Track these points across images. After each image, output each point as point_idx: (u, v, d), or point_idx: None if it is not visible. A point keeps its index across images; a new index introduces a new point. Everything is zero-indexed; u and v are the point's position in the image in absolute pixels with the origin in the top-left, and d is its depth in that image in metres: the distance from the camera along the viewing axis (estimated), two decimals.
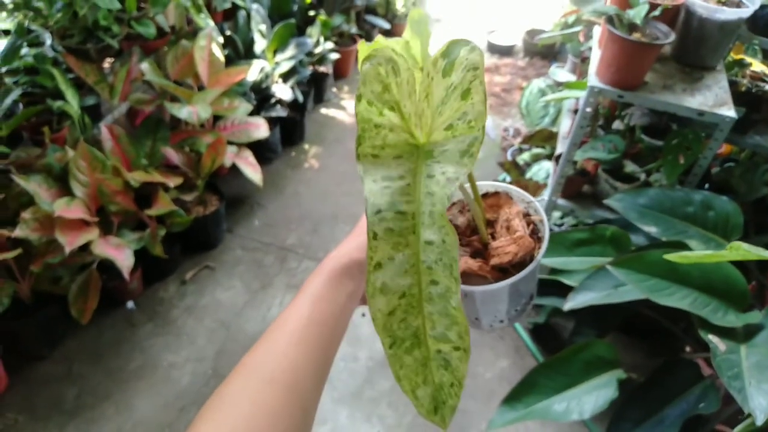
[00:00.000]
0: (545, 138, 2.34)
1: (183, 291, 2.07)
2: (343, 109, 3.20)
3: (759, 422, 1.05)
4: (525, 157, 2.49)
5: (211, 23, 2.17)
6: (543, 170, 2.31)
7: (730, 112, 1.48)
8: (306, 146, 2.88)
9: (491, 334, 2.00)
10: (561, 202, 1.86)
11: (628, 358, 1.90)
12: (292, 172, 2.70)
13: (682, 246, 1.40)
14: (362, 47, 0.55)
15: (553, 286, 1.71)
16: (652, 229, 1.50)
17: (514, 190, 0.61)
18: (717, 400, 1.33)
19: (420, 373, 0.46)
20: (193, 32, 2.16)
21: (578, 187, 1.90)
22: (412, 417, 1.73)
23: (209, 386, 1.78)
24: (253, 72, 2.31)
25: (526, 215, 0.59)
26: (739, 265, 1.29)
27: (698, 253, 0.78)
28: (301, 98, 2.59)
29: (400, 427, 1.72)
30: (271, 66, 2.46)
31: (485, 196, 0.61)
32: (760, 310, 1.30)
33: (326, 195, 2.59)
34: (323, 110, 3.18)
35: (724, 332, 1.25)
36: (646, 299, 1.32)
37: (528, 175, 2.32)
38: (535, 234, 0.57)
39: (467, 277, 0.54)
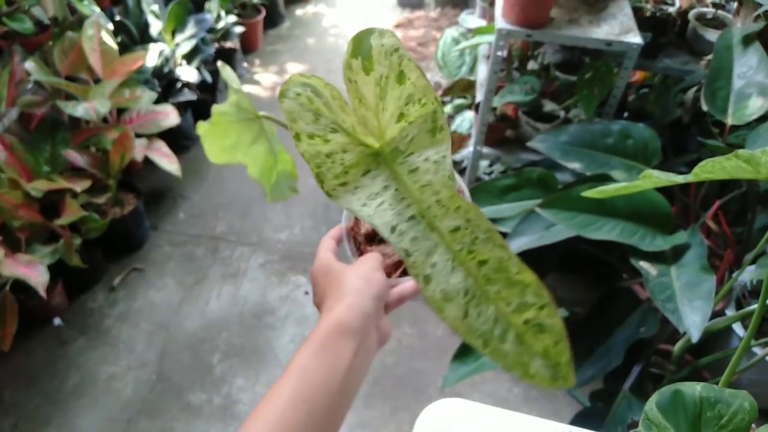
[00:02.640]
0: (464, 88, 2.31)
1: (113, 298, 1.96)
2: (257, 83, 3.07)
3: (694, 339, 1.08)
4: (448, 109, 2.46)
5: (97, 10, 2.01)
6: (467, 121, 2.28)
7: (636, 38, 1.48)
8: None
9: None
10: (486, 150, 1.85)
11: (570, 294, 1.93)
12: None
13: (607, 178, 1.41)
14: (200, 127, 0.56)
15: None
16: (576, 165, 1.50)
17: None
18: (656, 322, 1.36)
19: (523, 352, 0.45)
20: (79, 22, 1.99)
21: (501, 133, 1.88)
22: (368, 387, 1.72)
23: (155, 392, 1.70)
24: (151, 57, 2.16)
25: None
26: (663, 188, 1.31)
27: (614, 186, 0.77)
28: (209, 78, 2.46)
29: (363, 397, 1.70)
30: (171, 48, 2.31)
31: None
32: (685, 230, 1.33)
33: None
34: None
35: (654, 257, 1.27)
36: (578, 235, 1.32)
37: (453, 127, 2.29)
38: None
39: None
